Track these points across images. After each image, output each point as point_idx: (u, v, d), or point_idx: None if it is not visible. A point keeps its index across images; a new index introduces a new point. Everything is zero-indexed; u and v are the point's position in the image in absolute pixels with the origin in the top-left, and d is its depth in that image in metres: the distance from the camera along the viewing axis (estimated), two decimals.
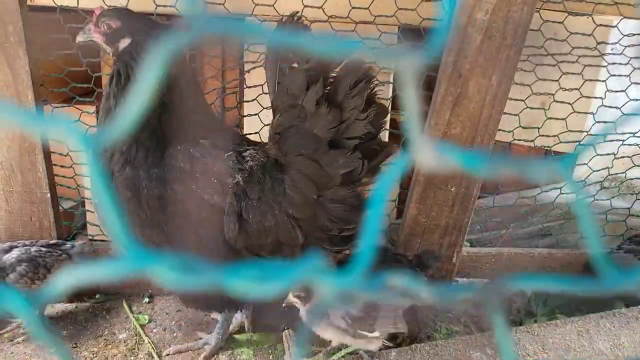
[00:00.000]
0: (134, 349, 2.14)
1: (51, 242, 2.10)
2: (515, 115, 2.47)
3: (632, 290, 0.38)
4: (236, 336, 2.23)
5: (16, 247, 2.02)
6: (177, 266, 0.34)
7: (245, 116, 2.56)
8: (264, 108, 2.42)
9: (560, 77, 2.43)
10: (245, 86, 2.52)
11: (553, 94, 2.48)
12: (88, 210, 2.59)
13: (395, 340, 2.27)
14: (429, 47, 0.38)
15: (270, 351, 2.15)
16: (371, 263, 0.39)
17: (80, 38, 1.75)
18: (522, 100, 2.45)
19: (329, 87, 1.70)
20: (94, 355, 2.09)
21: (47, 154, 2.17)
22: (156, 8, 2.24)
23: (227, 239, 1.71)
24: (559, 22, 2.38)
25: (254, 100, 2.44)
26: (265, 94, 2.34)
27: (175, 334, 2.24)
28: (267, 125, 2.44)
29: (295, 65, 1.73)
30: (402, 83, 0.39)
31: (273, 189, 1.71)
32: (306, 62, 1.69)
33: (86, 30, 1.72)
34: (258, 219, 1.69)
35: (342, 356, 2.13)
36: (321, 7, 2.28)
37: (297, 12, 1.85)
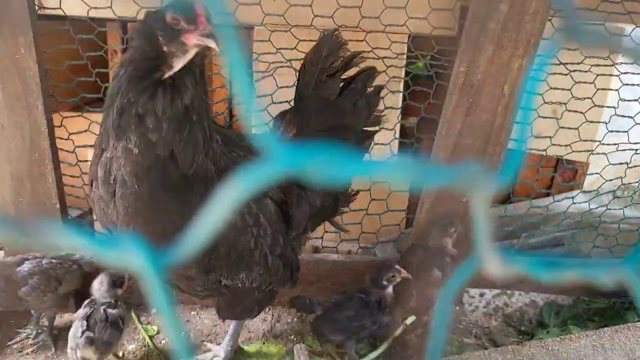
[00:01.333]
0: (143, 359, 2.13)
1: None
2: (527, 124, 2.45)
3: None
4: (245, 347, 2.22)
5: (27, 259, 2.01)
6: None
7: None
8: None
9: (572, 86, 2.41)
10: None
11: (565, 103, 2.45)
12: (96, 220, 2.58)
13: (406, 351, 2.25)
14: (503, 174, 0.38)
15: None
16: None
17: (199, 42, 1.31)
18: (534, 109, 2.42)
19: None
20: None
21: (56, 164, 2.16)
22: None
23: None
24: None
25: (264, 110, 2.43)
26: (275, 103, 2.33)
27: None
28: None
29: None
30: (475, 203, 0.38)
31: None
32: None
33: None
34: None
35: None
36: (331, 16, 2.27)
37: (337, 30, 1.90)
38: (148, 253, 0.36)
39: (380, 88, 1.99)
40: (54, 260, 2.01)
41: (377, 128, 2.05)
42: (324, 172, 0.33)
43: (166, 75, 1.34)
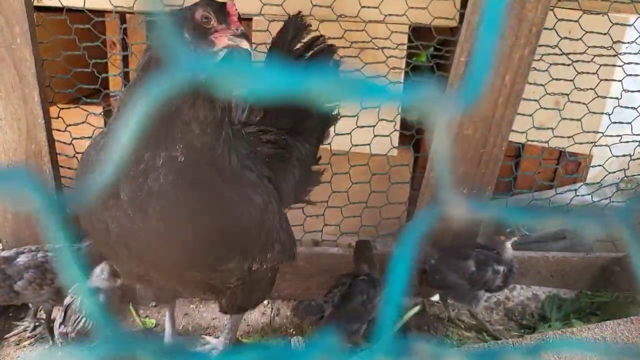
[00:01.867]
0: None
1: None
2: (529, 115, 2.42)
3: None
4: (243, 341, 2.20)
5: (22, 252, 2.00)
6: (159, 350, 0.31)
7: None
8: None
9: (574, 76, 2.38)
10: None
11: (567, 94, 2.42)
12: None
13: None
14: (465, 96, 0.35)
15: None
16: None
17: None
18: (535, 100, 2.39)
19: None
20: None
21: (54, 156, 2.14)
22: None
23: None
24: (573, 21, 2.32)
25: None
26: None
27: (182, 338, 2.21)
28: None
29: None
30: (434, 129, 0.35)
31: None
32: None
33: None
34: None
35: None
36: (330, 6, 2.24)
37: (301, 12, 1.92)
38: (43, 194, 0.34)
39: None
40: (49, 254, 1.99)
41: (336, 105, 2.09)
42: (238, 81, 0.31)
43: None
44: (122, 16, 2.55)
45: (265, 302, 2.49)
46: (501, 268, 2.20)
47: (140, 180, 1.32)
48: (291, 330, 2.33)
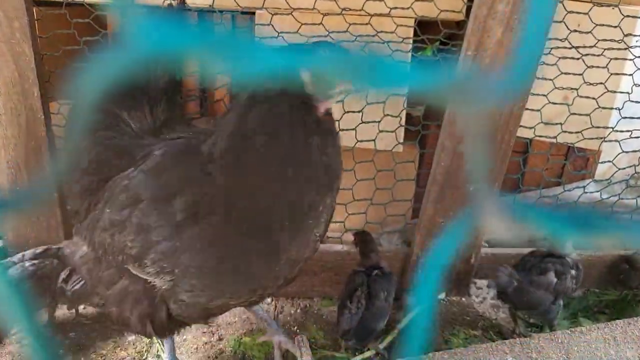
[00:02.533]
0: (143, 351, 2.09)
1: (38, 250, 2.00)
2: (537, 110, 2.37)
3: None
4: (247, 339, 2.18)
5: (13, 264, 1.92)
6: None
7: None
8: None
9: (584, 70, 2.32)
10: None
11: (576, 89, 2.37)
12: None
13: None
14: (513, 79, 0.32)
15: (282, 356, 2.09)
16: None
17: None
18: (544, 95, 2.34)
19: None
20: (102, 357, 2.05)
21: (53, 152, 2.12)
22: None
23: None
24: (583, 13, 2.27)
25: None
26: None
27: (185, 336, 2.19)
28: None
29: None
30: (469, 131, 0.32)
31: None
32: None
33: None
34: None
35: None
36: None
37: None
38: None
39: None
40: (35, 261, 1.94)
41: None
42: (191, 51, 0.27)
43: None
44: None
45: (269, 300, 2.46)
46: (574, 272, 2.18)
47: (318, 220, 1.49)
48: (295, 328, 2.30)
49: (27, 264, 1.90)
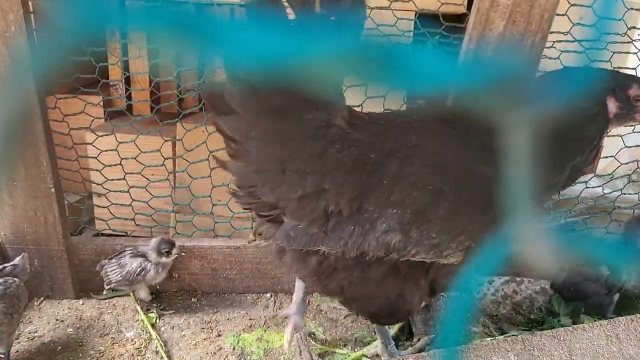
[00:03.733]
0: (142, 348, 2.08)
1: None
2: None
3: None
4: (246, 335, 2.16)
5: None
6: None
7: None
8: None
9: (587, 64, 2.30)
10: None
11: None
12: (96, 205, 2.52)
13: (411, 339, 2.19)
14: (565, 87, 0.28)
15: (280, 351, 2.08)
16: None
17: None
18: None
19: None
20: (100, 354, 2.03)
21: (50, 147, 2.09)
22: None
23: None
24: (586, 6, 2.24)
25: None
26: None
27: (183, 333, 2.17)
28: None
29: None
30: (508, 147, 0.29)
31: None
32: None
33: None
34: None
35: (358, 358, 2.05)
36: None
37: None
38: None
39: None
40: (8, 279, 1.91)
41: None
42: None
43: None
44: (121, 3, 2.48)
45: (268, 295, 2.45)
46: None
47: None
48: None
49: None
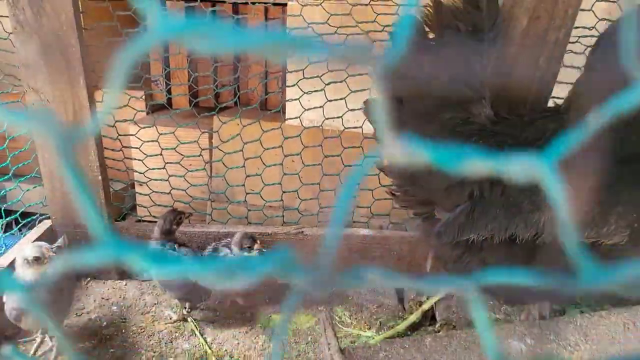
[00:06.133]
0: (180, 325, 2.23)
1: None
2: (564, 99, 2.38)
3: (611, 287, 0.35)
4: (274, 316, 2.29)
5: None
6: (150, 256, 0.35)
7: (287, 100, 2.59)
8: (304, 93, 2.43)
9: None
10: (287, 71, 2.54)
11: None
12: (138, 193, 2.69)
13: (433, 324, 2.27)
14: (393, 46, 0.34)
15: (309, 332, 2.19)
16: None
17: None
18: (571, 83, 2.35)
19: None
20: (142, 330, 2.19)
21: (98, 138, 2.26)
22: None
23: None
24: (612, 2, 2.27)
25: (295, 85, 2.46)
26: (306, 78, 2.34)
27: (218, 313, 2.31)
28: (308, 109, 2.46)
29: None
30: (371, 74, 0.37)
31: None
32: None
33: None
34: None
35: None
36: None
37: None
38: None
39: None
40: None
41: None
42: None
43: None
44: (162, 2, 2.63)
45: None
46: None
47: None
48: (321, 308, 2.39)
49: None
